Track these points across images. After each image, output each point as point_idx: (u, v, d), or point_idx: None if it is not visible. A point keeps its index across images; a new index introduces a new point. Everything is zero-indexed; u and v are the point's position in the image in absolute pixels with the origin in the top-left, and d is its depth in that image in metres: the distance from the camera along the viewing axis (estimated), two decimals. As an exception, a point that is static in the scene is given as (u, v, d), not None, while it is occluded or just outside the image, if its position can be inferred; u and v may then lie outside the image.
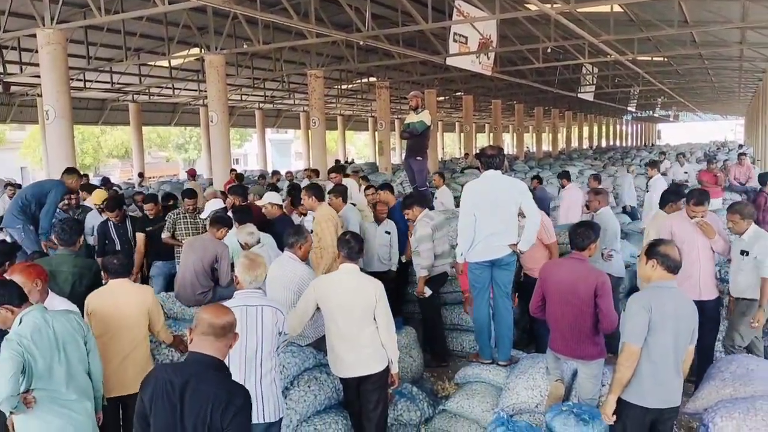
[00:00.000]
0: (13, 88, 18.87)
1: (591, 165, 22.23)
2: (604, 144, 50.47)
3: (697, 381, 4.63)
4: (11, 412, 3.22)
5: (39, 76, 11.46)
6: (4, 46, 15.59)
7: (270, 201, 6.86)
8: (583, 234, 4.24)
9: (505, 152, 37.79)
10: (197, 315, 2.69)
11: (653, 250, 3.53)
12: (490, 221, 4.79)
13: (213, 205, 6.85)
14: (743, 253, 5.05)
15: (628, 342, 3.41)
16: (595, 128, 50.32)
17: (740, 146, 30.77)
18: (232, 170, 14.47)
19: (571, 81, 25.12)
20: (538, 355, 5.00)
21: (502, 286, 4.98)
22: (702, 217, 5.20)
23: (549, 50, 18.46)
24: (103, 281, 4.50)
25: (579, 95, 26.55)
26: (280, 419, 3.67)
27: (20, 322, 3.33)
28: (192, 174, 17.11)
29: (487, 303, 5.06)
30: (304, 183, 11.14)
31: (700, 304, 4.11)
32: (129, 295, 4.18)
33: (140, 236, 7.00)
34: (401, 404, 4.74)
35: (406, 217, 6.39)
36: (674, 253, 3.51)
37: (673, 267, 3.49)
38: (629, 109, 41.20)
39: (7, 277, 3.78)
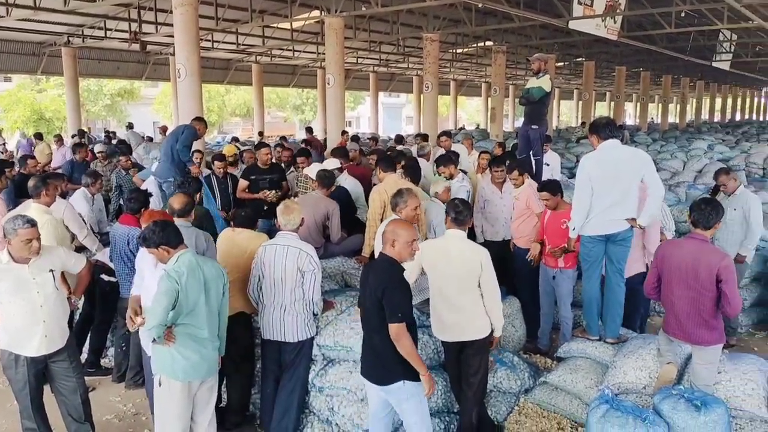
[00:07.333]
0: (148, 47, 20.16)
1: (722, 140, 20.62)
2: (738, 117, 46.51)
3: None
4: (154, 340, 3.57)
5: (172, 36, 12.16)
6: (141, 7, 16.62)
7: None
8: (709, 212, 3.98)
9: (627, 122, 35.73)
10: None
11: None
12: (608, 194, 4.59)
13: (329, 164, 7.02)
14: None
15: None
16: (729, 100, 46.40)
17: None
18: (344, 132, 14.73)
19: (705, 48, 23.22)
20: (649, 335, 4.81)
21: (616, 262, 4.79)
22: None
23: (683, 14, 17.08)
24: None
25: (713, 64, 24.48)
26: (306, 339, 4.36)
27: (176, 261, 3.65)
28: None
29: (597, 278, 4.90)
30: (414, 149, 11.16)
31: None
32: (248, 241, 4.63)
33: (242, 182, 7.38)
34: (501, 372, 4.73)
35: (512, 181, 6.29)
36: None
37: None
38: (771, 80, 37.63)
39: (143, 223, 4.17)
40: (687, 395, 3.62)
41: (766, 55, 26.02)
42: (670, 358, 4.14)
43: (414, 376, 3.52)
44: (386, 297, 3.41)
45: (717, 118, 44.00)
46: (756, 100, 53.83)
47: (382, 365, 3.54)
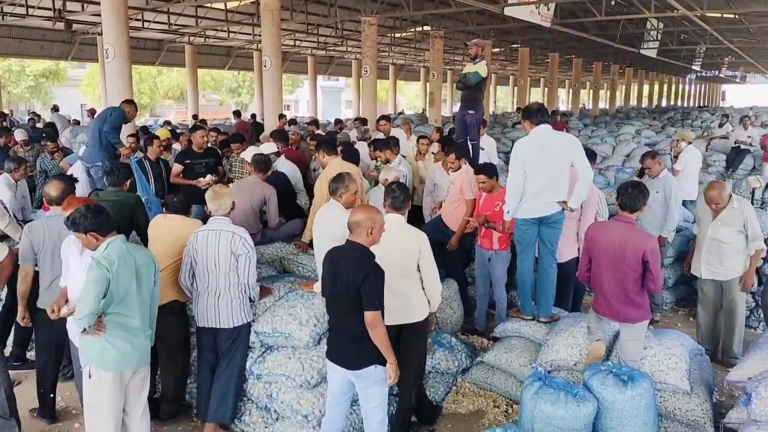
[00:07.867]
0: (74, 26, 19.22)
1: (649, 125, 21.47)
2: (664, 104, 48.47)
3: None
4: (85, 329, 3.43)
5: (100, 14, 11.62)
6: (66, -17, 15.84)
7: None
8: (636, 195, 4.15)
9: (560, 108, 36.60)
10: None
11: None
12: (540, 178, 4.71)
13: (266, 148, 6.93)
14: None
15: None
16: (656, 87, 48.27)
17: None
18: (281, 116, 14.49)
19: (633, 36, 24.03)
20: (580, 314, 5.00)
21: (548, 243, 4.94)
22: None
23: (613, 2, 17.62)
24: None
25: (641, 51, 25.37)
26: (243, 325, 4.30)
27: (106, 248, 3.51)
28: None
29: (531, 260, 5.04)
30: (353, 133, 11.12)
31: None
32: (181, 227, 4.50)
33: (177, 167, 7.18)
34: (439, 353, 4.82)
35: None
36: None
37: None
38: (693, 68, 39.21)
39: (64, 210, 4.01)
40: (615, 371, 3.78)
41: (690, 43, 27.18)
42: (599, 336, 4.31)
43: (384, 361, 3.56)
44: (366, 284, 3.41)
45: (645, 104, 45.71)
46: (681, 86, 56.07)
47: (358, 350, 3.54)
